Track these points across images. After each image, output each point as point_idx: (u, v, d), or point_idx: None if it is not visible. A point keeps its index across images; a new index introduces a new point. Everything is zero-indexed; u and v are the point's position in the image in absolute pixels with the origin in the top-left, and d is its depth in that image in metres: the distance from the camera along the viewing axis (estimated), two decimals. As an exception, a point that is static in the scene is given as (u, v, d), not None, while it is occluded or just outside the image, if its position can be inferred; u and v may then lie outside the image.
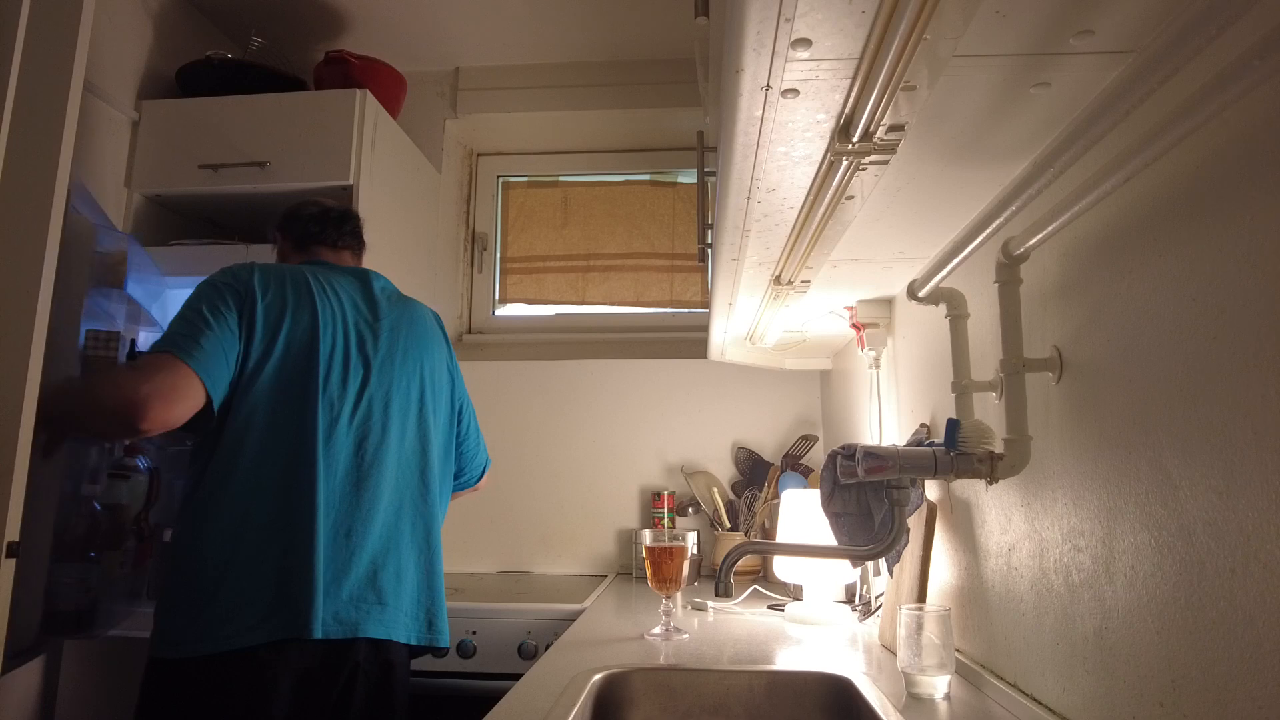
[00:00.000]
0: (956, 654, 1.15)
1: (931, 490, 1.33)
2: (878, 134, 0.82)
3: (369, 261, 1.60)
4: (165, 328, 1.53)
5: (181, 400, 1.14)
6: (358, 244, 1.54)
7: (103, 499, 1.53)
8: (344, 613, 1.22)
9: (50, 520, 1.38)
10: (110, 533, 1.52)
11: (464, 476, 1.55)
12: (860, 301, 1.56)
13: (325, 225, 1.49)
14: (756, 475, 2.31)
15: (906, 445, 1.09)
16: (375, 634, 1.24)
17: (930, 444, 1.05)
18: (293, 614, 1.17)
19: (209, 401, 1.17)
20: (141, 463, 1.59)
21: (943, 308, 1.10)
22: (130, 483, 1.58)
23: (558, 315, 2.65)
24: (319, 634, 1.17)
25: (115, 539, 1.54)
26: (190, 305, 1.24)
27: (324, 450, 1.25)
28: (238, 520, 1.19)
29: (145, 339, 1.72)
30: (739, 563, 1.43)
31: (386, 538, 1.29)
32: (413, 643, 1.30)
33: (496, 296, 2.68)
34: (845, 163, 0.87)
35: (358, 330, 1.35)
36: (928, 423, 1.34)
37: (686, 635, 1.44)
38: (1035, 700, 0.94)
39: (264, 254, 1.85)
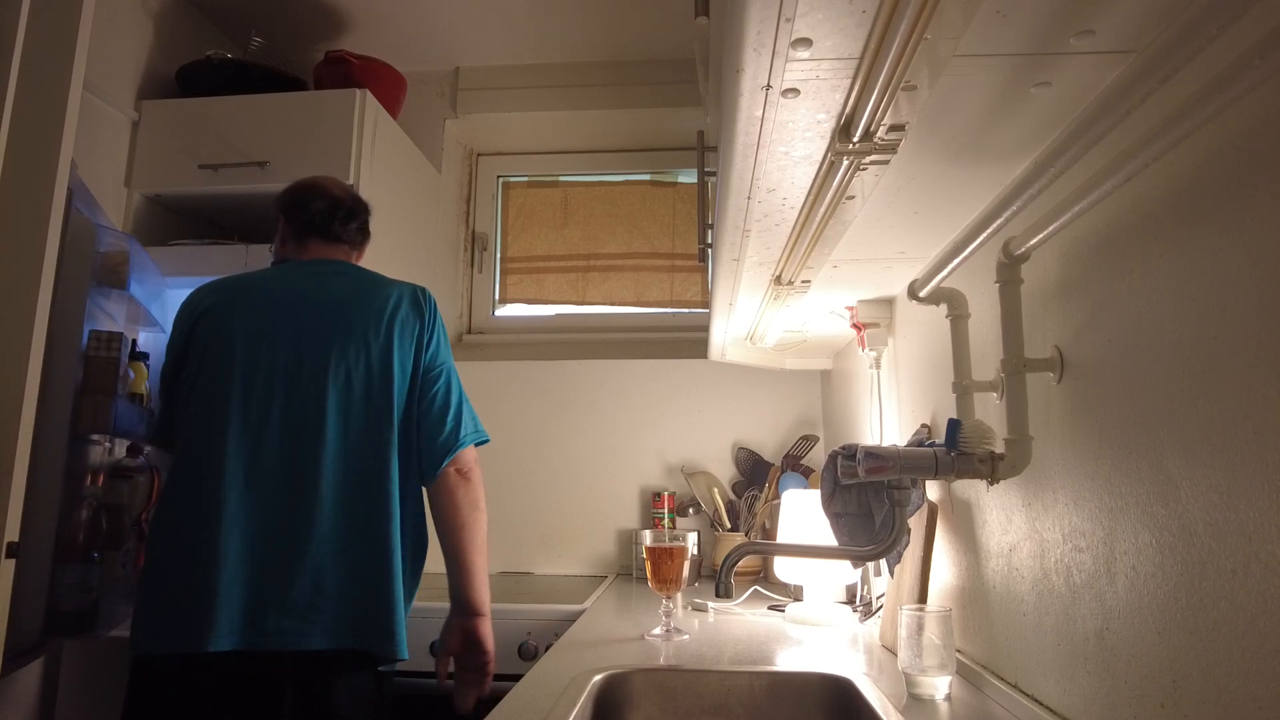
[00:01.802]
0: (957, 654, 1.15)
1: (932, 491, 1.33)
2: (878, 134, 0.82)
3: (370, 261, 1.60)
4: (165, 327, 1.58)
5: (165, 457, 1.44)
6: (361, 238, 1.51)
7: (104, 499, 1.53)
8: (284, 622, 1.19)
9: (53, 521, 1.38)
10: (111, 533, 1.52)
11: (426, 460, 1.35)
12: (861, 301, 1.56)
13: (331, 220, 1.45)
14: (757, 475, 2.31)
15: (907, 445, 1.09)
16: (317, 645, 1.19)
17: (931, 444, 1.05)
18: (183, 626, 1.16)
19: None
20: (142, 462, 1.60)
21: (943, 308, 1.10)
22: (132, 482, 1.58)
23: (558, 315, 2.65)
24: (215, 646, 1.15)
25: (116, 539, 1.54)
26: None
27: (247, 456, 1.24)
28: (158, 532, 1.25)
29: (144, 339, 1.72)
30: (739, 563, 1.43)
31: (334, 541, 1.24)
32: (372, 650, 1.24)
33: (496, 296, 2.68)
34: (846, 163, 0.87)
35: (292, 330, 1.31)
36: (928, 423, 1.34)
37: (687, 636, 1.44)
38: (1036, 701, 0.94)
39: (264, 254, 1.85)
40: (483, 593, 1.36)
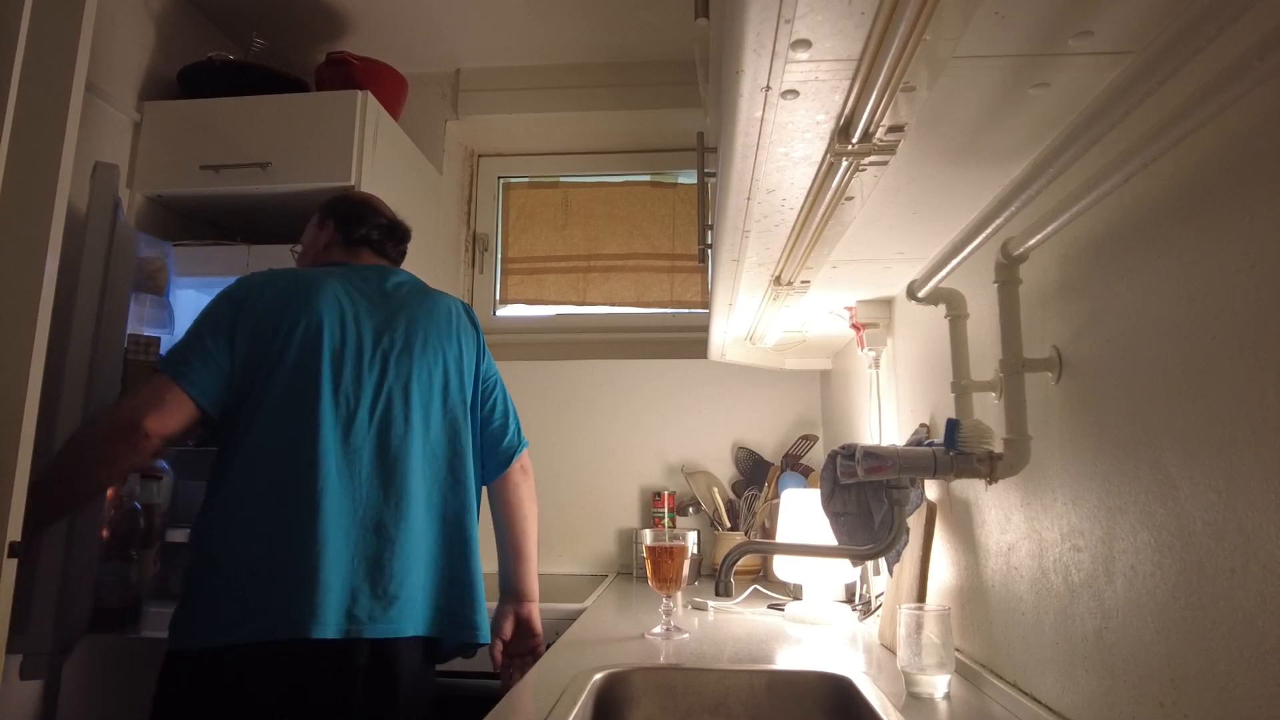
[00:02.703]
0: (956, 653, 1.16)
1: (931, 490, 1.33)
2: (877, 135, 0.82)
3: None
4: (174, 329, 1.56)
5: (170, 410, 1.23)
6: (400, 258, 1.57)
7: (140, 498, 1.55)
8: (372, 610, 1.22)
9: (99, 520, 1.43)
10: (147, 532, 1.56)
11: (491, 462, 1.48)
12: (860, 302, 1.56)
13: (386, 241, 1.52)
14: (757, 475, 2.31)
15: (906, 445, 1.09)
16: (407, 631, 1.24)
17: (930, 444, 1.05)
18: (285, 613, 1.16)
19: (205, 409, 1.26)
20: (165, 464, 1.62)
21: (942, 308, 1.10)
22: (160, 483, 1.62)
23: (558, 316, 2.66)
24: (320, 634, 1.16)
25: (150, 538, 1.57)
26: (195, 322, 1.31)
27: (340, 446, 1.25)
28: (229, 518, 1.22)
29: (166, 344, 1.75)
30: (739, 562, 1.43)
31: (421, 530, 1.29)
32: (446, 640, 1.30)
33: (497, 297, 2.68)
34: (845, 163, 0.87)
35: (374, 326, 1.34)
36: (927, 422, 1.34)
37: (687, 635, 1.44)
38: (1035, 700, 0.94)
39: (264, 254, 1.85)
40: (535, 580, 1.51)
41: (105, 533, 1.48)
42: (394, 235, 1.53)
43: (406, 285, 1.46)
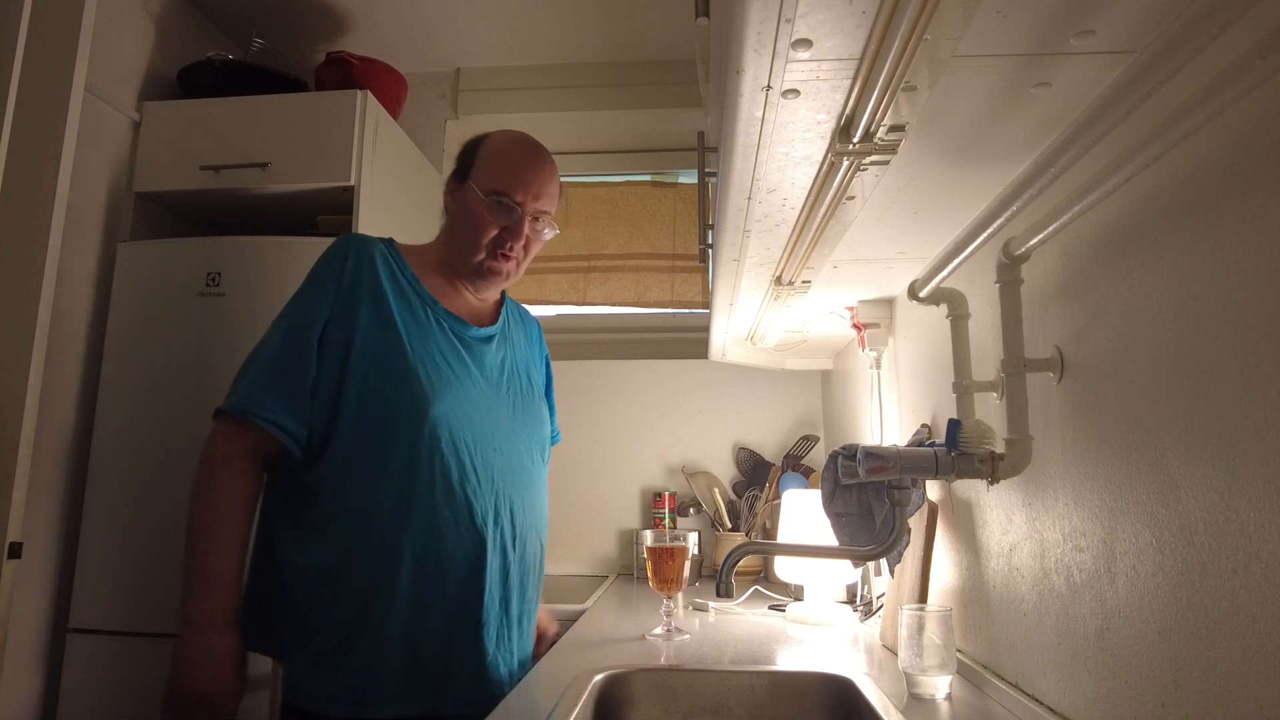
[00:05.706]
0: (958, 654, 1.15)
1: (933, 490, 1.33)
2: (878, 134, 0.82)
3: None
4: None
5: None
6: None
7: None
8: None
9: None
10: None
11: None
12: (861, 302, 1.56)
13: None
14: (758, 475, 2.31)
15: (907, 445, 1.09)
16: None
17: (931, 444, 1.05)
18: None
19: None
20: None
21: (944, 308, 1.10)
22: None
23: (559, 316, 2.66)
24: None
25: None
26: None
27: None
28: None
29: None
30: (740, 563, 1.43)
31: None
32: None
33: (497, 297, 2.68)
34: (846, 163, 0.87)
35: None
36: (929, 423, 1.34)
37: (687, 636, 1.44)
38: (1037, 700, 0.94)
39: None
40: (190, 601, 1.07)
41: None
42: None
43: None
